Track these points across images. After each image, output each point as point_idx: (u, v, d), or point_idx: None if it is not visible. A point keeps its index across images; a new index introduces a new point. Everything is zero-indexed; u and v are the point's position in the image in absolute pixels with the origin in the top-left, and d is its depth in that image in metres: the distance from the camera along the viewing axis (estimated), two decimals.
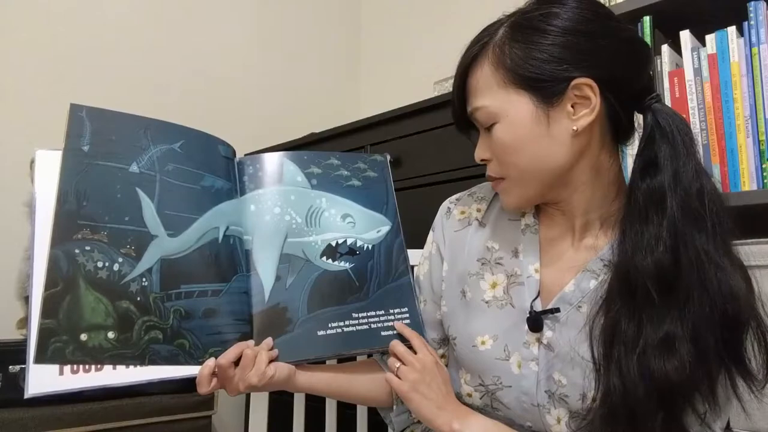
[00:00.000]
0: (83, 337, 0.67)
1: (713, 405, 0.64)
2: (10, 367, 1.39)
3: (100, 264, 0.69)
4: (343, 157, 0.93)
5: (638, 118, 0.76)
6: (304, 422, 1.01)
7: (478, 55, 0.74)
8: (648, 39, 1.12)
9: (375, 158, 0.95)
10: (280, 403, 1.07)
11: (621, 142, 0.78)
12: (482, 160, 0.78)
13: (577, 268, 0.75)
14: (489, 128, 0.74)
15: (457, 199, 0.91)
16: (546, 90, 0.70)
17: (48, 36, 1.79)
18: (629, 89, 0.72)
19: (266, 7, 2.35)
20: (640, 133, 0.74)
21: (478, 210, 0.87)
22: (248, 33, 2.28)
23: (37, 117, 1.70)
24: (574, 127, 0.70)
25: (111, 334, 0.68)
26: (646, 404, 0.62)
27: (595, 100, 0.69)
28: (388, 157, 0.97)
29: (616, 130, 0.76)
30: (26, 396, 0.63)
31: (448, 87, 1.98)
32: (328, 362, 0.92)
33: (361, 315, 0.84)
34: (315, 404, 1.00)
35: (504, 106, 0.72)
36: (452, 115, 0.80)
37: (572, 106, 0.70)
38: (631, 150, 0.85)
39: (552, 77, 0.69)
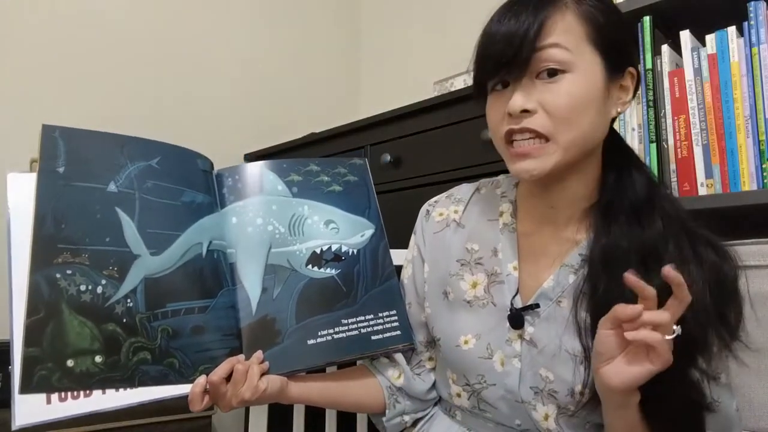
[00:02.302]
0: (70, 363, 0.66)
1: (709, 367, 0.66)
2: (10, 367, 1.38)
3: (82, 287, 0.68)
4: (322, 162, 0.92)
5: None
6: (304, 423, 1.01)
7: (559, 2, 0.69)
8: (648, 39, 1.13)
9: (354, 162, 0.94)
10: (280, 403, 1.07)
11: None
12: (523, 110, 0.68)
13: (555, 263, 0.76)
14: (553, 74, 0.67)
15: (435, 202, 0.91)
16: (616, 63, 0.71)
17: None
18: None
19: (266, 7, 2.32)
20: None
21: (455, 212, 0.87)
22: (248, 33, 2.26)
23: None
24: (619, 110, 0.72)
25: (98, 358, 0.67)
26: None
27: (631, 92, 0.72)
28: (366, 161, 0.96)
29: None
30: (13, 429, 0.62)
31: (448, 87, 1.98)
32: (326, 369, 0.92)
33: (350, 321, 0.83)
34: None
35: (582, 58, 0.68)
36: (504, 45, 0.68)
37: (620, 89, 0.72)
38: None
39: (625, 52, 0.72)
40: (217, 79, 2.14)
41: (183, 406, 1.51)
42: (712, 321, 0.64)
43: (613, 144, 0.76)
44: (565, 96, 0.67)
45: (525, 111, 0.68)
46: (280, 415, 1.09)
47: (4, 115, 1.68)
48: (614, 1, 1.17)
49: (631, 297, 0.60)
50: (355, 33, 2.63)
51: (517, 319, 0.75)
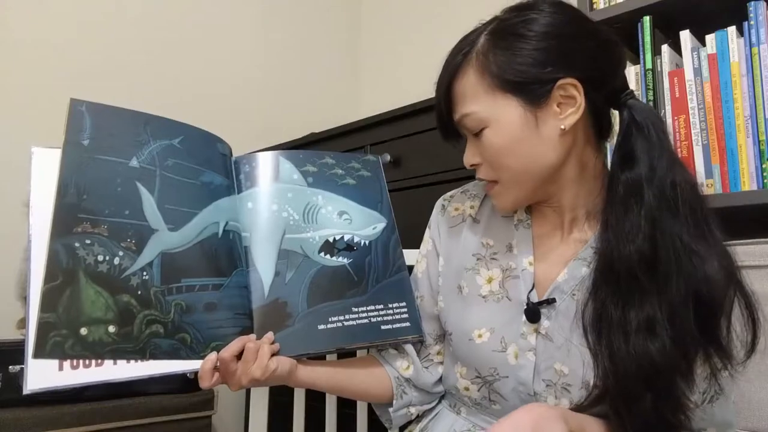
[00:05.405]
0: (83, 331, 0.66)
1: (693, 384, 0.66)
2: (10, 367, 1.39)
3: (100, 257, 0.69)
4: (337, 156, 0.93)
5: (614, 115, 0.78)
6: (304, 422, 1.00)
7: (461, 63, 0.75)
8: (648, 39, 1.13)
9: (368, 158, 0.96)
10: (280, 403, 1.07)
11: (602, 138, 0.80)
12: (472, 165, 0.79)
13: (567, 260, 0.76)
14: (478, 134, 0.75)
15: (451, 197, 0.92)
16: (532, 92, 0.71)
17: (47, 32, 1.78)
18: (608, 87, 0.75)
19: (267, 7, 2.34)
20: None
21: (472, 207, 0.88)
22: (248, 33, 2.28)
23: (36, 115, 1.69)
24: (562, 126, 0.72)
25: (111, 328, 0.68)
26: (635, 385, 0.64)
27: (580, 99, 0.71)
28: (381, 158, 0.97)
29: (599, 126, 0.78)
30: (25, 392, 0.62)
31: None
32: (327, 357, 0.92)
33: (360, 309, 0.84)
34: (315, 404, 1.00)
35: (492, 111, 0.73)
36: (438, 123, 0.81)
37: (558, 106, 0.72)
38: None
39: (537, 80, 0.71)
40: (217, 79, 2.15)
41: (183, 406, 1.54)
42: (695, 338, 0.65)
43: (623, 142, 0.74)
44: (489, 148, 0.75)
45: (473, 165, 0.79)
46: (280, 415, 1.08)
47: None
48: (611, 3, 1.17)
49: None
50: (355, 33, 2.63)
51: (534, 314, 0.75)
